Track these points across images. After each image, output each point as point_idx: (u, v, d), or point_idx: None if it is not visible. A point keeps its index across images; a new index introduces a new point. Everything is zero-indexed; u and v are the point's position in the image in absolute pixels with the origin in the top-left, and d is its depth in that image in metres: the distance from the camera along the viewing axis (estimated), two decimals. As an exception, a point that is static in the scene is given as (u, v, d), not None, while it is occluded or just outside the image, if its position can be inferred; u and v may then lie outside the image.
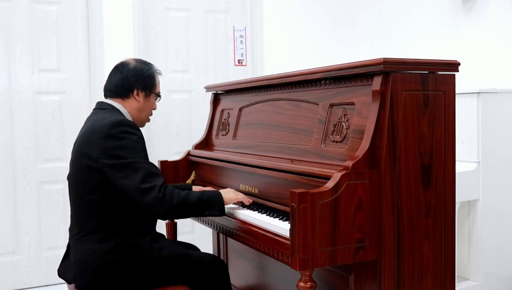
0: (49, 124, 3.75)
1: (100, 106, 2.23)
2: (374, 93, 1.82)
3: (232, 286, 2.45)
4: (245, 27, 4.33)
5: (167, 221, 2.93)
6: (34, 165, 3.71)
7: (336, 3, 4.56)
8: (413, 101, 1.85)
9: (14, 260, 3.67)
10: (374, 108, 1.81)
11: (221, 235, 3.05)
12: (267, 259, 2.58)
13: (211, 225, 2.45)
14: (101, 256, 2.02)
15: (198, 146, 3.02)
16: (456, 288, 2.12)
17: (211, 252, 3.20)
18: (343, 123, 1.98)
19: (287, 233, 1.79)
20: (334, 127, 2.02)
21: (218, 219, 2.32)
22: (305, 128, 2.20)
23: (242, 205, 2.28)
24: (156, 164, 2.78)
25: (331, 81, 2.09)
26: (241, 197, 2.26)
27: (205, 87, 3.20)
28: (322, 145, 2.06)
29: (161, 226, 3.08)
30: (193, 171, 2.96)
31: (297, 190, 1.67)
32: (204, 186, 2.67)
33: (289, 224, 1.72)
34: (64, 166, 3.55)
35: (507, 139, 3.05)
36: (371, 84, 1.85)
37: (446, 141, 1.93)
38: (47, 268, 3.71)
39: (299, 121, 2.25)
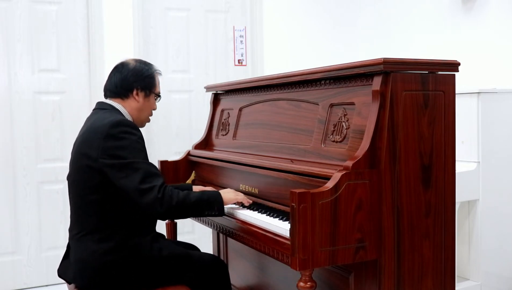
0: (49, 124, 3.75)
1: (100, 106, 2.23)
2: (374, 93, 1.82)
3: (232, 286, 2.45)
4: (245, 27, 4.32)
5: (167, 221, 2.93)
6: (34, 165, 3.71)
7: (336, 3, 4.56)
8: (413, 101, 1.85)
9: (14, 260, 3.67)
10: (374, 108, 1.81)
11: (221, 235, 3.05)
12: (267, 259, 2.58)
13: (211, 225, 2.45)
14: (101, 256, 2.02)
15: (198, 146, 3.02)
16: (456, 288, 2.12)
17: (211, 252, 3.20)
18: (343, 123, 1.97)
19: (287, 233, 1.79)
20: (334, 127, 2.02)
21: (218, 219, 2.32)
22: (305, 128, 2.20)
23: (242, 205, 2.28)
24: (156, 164, 2.79)
25: (331, 81, 2.09)
26: (240, 197, 2.25)
27: (205, 87, 3.19)
28: (322, 145, 2.06)
29: (161, 226, 3.08)
30: (193, 171, 2.96)
31: (297, 190, 1.67)
32: (204, 186, 2.67)
33: (289, 224, 1.72)
34: (64, 166, 3.54)
35: (507, 139, 3.05)
36: (371, 84, 1.85)
37: (446, 141, 1.93)
38: (47, 268, 3.71)
39: (299, 121, 2.25)
